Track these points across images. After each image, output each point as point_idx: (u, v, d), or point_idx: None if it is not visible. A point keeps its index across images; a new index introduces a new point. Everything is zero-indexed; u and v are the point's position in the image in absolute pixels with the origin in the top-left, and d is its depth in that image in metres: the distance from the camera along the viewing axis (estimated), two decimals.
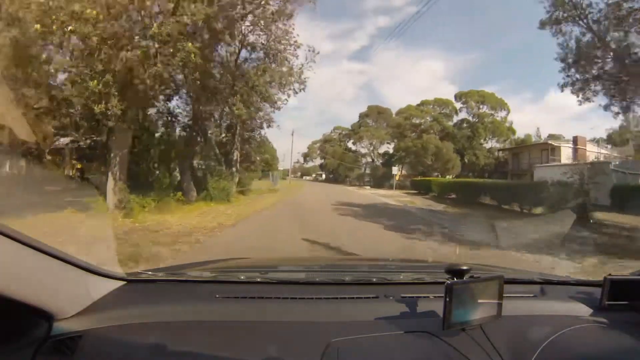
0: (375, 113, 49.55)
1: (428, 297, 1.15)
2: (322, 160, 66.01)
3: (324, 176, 72.88)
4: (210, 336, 0.95)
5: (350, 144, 57.22)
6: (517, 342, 0.97)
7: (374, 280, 1.38)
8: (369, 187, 38.35)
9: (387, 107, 50.12)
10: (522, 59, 58.17)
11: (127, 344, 0.92)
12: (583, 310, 1.19)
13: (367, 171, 51.39)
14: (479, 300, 0.96)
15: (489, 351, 0.91)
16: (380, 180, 40.07)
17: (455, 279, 0.97)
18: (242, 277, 1.37)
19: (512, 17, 59.75)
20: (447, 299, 0.91)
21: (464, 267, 0.99)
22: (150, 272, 1.33)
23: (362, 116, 51.60)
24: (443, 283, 0.95)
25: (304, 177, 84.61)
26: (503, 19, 60.40)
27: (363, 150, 53.84)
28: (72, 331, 0.90)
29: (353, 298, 1.17)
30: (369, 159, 53.07)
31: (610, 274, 1.19)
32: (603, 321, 1.13)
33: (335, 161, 55.69)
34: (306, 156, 70.33)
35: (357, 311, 1.10)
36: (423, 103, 40.40)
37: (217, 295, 1.15)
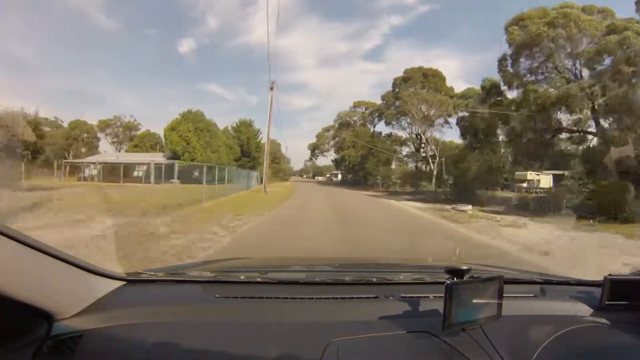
0: (420, 76, 30.49)
1: (428, 297, 1.15)
2: (337, 155, 45.23)
3: (339, 177, 54.52)
4: (210, 336, 0.95)
5: (380, 126, 36.75)
6: (517, 342, 0.97)
7: (374, 280, 1.38)
8: (469, 208, 14.90)
9: (436, 69, 30.78)
10: None
11: (127, 344, 0.92)
12: (583, 310, 1.19)
13: (427, 168, 29.29)
14: (479, 300, 0.95)
15: (489, 351, 0.91)
16: (478, 188, 18.39)
17: (455, 279, 0.97)
18: (242, 277, 1.37)
19: None
20: (447, 299, 0.91)
21: (464, 267, 0.99)
22: (150, 272, 1.33)
23: (398, 83, 31.92)
24: (443, 283, 0.94)
25: (317, 178, 72.64)
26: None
27: (400, 134, 33.69)
28: (72, 331, 0.90)
29: (353, 298, 1.17)
30: (409, 146, 33.19)
31: (610, 274, 1.20)
32: (603, 321, 1.13)
33: (357, 153, 35.89)
34: (315, 148, 50.36)
35: (357, 311, 1.10)
36: (563, 6, 17.25)
37: (217, 296, 1.15)
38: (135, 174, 27.65)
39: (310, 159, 56.25)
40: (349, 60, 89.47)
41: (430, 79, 30.24)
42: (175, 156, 28.17)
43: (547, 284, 1.38)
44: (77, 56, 57.42)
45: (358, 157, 36.29)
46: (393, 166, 34.12)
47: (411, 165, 32.43)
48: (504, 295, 0.99)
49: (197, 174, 20.90)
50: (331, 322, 1.03)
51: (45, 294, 0.86)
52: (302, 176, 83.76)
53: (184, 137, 30.69)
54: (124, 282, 1.18)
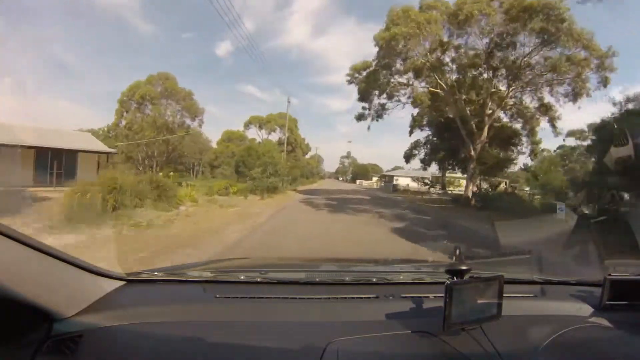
0: None
1: (428, 297, 1.15)
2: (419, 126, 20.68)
3: (410, 182, 26.73)
4: (210, 336, 0.95)
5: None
6: (517, 342, 0.97)
7: (374, 280, 1.38)
8: None
9: None
10: None
11: (127, 344, 0.92)
12: (583, 310, 1.20)
13: None
14: (479, 300, 0.96)
15: (489, 351, 0.91)
16: None
17: (455, 279, 0.97)
18: (241, 277, 1.37)
19: None
20: (447, 299, 0.91)
21: (464, 267, 0.99)
22: (150, 272, 1.33)
23: None
24: (443, 283, 0.94)
25: (360, 182, 49.85)
26: None
27: None
28: (72, 331, 0.90)
29: (353, 298, 1.17)
30: None
31: (610, 274, 1.20)
32: (603, 321, 1.13)
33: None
34: (365, 98, 18.96)
35: (357, 311, 1.10)
36: None
37: (217, 295, 1.15)
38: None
39: (348, 155, 28.04)
40: None
41: None
42: None
43: (547, 284, 1.38)
44: (115, 60, 56.97)
45: None
46: None
47: None
48: (504, 295, 0.99)
49: None
50: (331, 322, 1.03)
51: (45, 294, 0.86)
52: (337, 178, 71.04)
53: None
54: (124, 282, 1.18)
